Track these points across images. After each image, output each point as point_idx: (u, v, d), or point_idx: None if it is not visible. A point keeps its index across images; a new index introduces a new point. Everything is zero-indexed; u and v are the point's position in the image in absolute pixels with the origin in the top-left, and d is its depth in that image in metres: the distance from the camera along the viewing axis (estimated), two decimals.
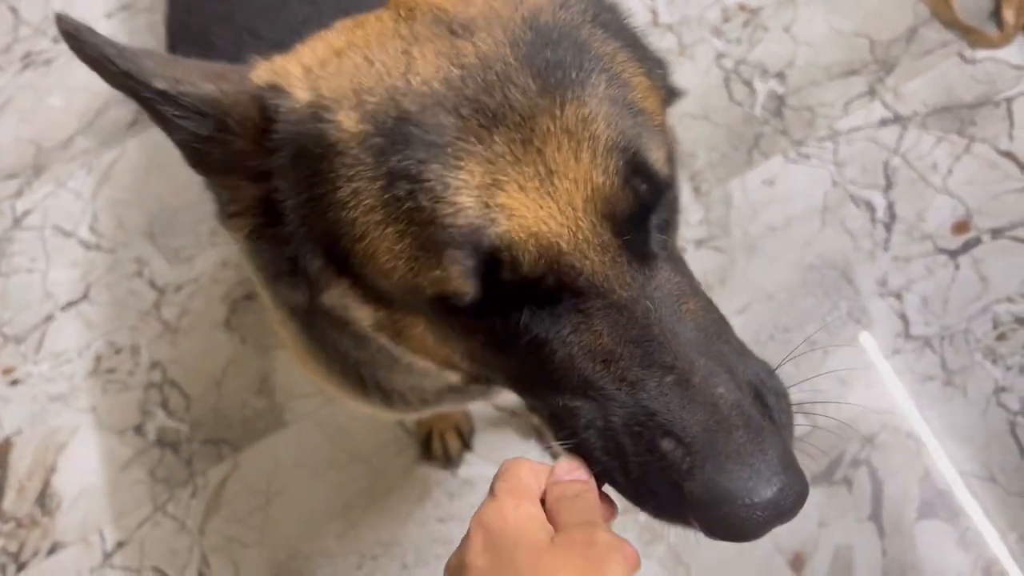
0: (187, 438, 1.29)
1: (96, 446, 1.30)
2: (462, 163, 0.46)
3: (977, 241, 1.27)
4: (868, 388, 1.22)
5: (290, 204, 0.51)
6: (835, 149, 1.35)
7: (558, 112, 0.47)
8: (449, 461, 1.27)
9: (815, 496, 1.19)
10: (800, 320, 1.25)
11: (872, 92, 1.37)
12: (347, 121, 0.48)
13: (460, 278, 0.46)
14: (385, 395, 0.74)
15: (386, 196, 0.47)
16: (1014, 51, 1.37)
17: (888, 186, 1.31)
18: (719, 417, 0.44)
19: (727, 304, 1.25)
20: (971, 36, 1.38)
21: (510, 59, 0.48)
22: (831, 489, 1.19)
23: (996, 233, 1.27)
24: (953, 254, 1.27)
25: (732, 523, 0.43)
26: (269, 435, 1.29)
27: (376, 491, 1.25)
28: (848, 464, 1.20)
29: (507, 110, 0.46)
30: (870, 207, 1.31)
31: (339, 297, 0.54)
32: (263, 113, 0.49)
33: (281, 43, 0.55)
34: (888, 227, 1.29)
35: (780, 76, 1.40)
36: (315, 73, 0.51)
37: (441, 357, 0.56)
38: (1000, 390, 1.21)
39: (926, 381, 1.22)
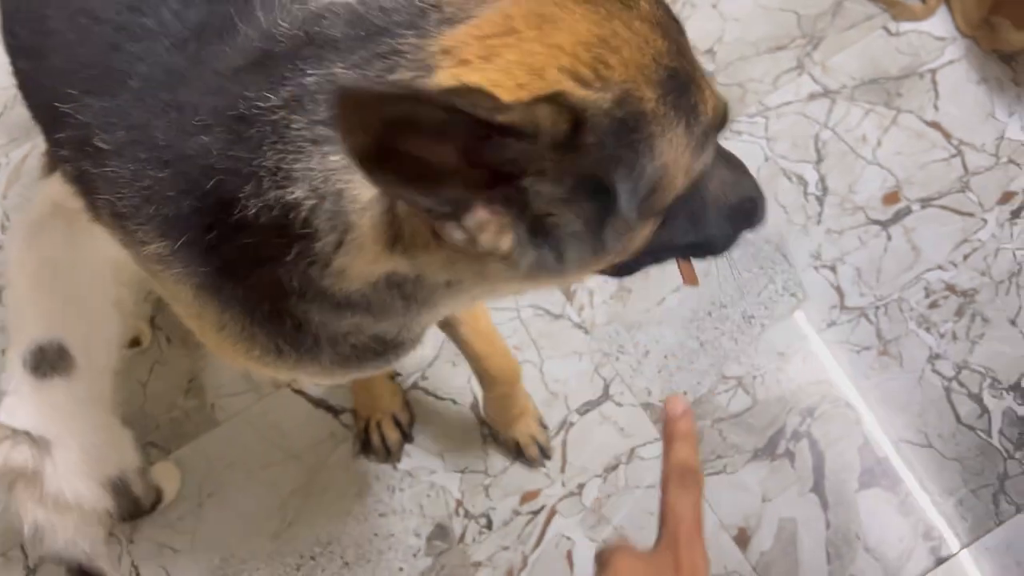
0: None
1: None
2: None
3: (907, 211, 1.28)
4: (806, 361, 1.23)
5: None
6: (766, 124, 1.35)
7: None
8: (389, 454, 1.23)
9: (758, 471, 1.19)
10: (736, 295, 1.25)
11: (800, 66, 1.37)
12: (647, 94, 0.53)
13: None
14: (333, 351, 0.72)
15: (688, 130, 0.56)
16: (937, 23, 1.38)
17: (819, 159, 1.32)
18: (759, 190, 0.71)
19: (664, 283, 1.25)
20: (895, 9, 1.39)
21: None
22: (773, 464, 1.19)
23: (925, 202, 1.28)
24: (884, 224, 1.27)
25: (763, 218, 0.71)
26: (200, 435, 1.24)
27: (313, 488, 1.21)
28: (790, 437, 1.20)
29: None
30: (802, 181, 1.31)
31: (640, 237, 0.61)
32: (569, 116, 0.49)
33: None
34: (820, 200, 1.30)
35: (710, 52, 1.40)
36: (591, 71, 0.52)
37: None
38: (935, 357, 1.22)
39: (862, 351, 1.22)
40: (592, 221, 0.55)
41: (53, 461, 1.02)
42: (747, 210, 0.72)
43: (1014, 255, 1.24)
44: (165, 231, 0.63)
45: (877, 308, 1.23)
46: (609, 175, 0.53)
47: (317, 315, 0.65)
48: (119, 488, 1.09)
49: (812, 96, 1.36)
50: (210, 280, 0.64)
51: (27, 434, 1.01)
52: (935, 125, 1.32)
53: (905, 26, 1.39)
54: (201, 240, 0.61)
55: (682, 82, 0.56)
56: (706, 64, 1.39)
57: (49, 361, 1.06)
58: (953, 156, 1.30)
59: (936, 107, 1.33)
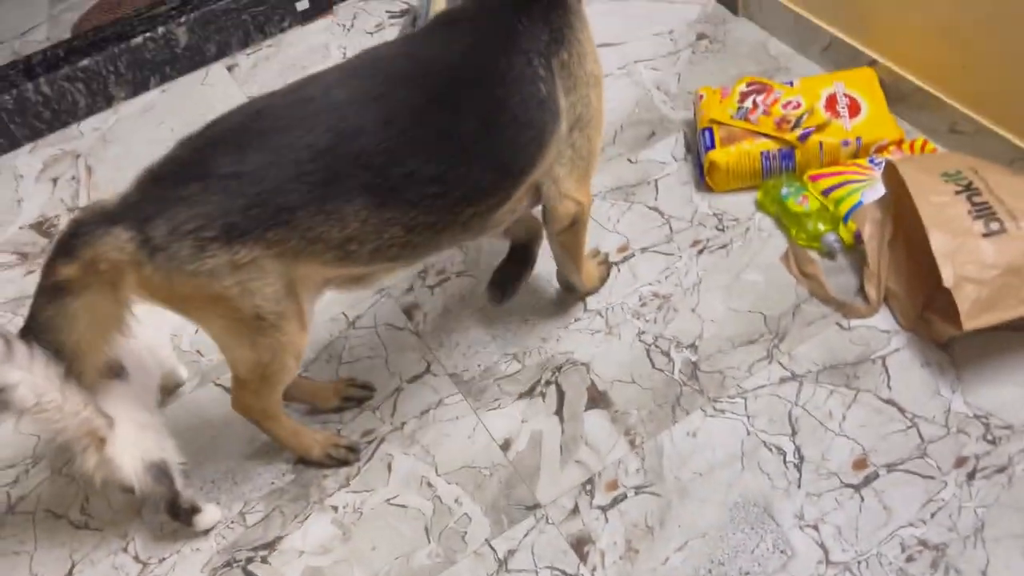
0: None
1: None
2: None
3: (876, 475, 1.46)
4: None
5: None
6: (745, 404, 1.57)
7: None
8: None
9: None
10: (732, 554, 1.39)
11: (770, 356, 1.63)
12: None
13: None
14: None
15: None
16: (881, 319, 1.66)
17: (794, 432, 1.52)
18: None
19: (667, 543, 1.40)
20: (844, 309, 1.68)
21: None
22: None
23: (890, 467, 1.46)
24: (857, 487, 1.45)
25: None
26: None
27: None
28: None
29: None
30: (781, 451, 1.50)
31: None
32: None
33: None
34: (799, 467, 1.48)
35: (692, 347, 1.67)
36: None
37: None
38: None
39: None
40: None
41: (114, 433, 1.37)
42: None
43: (975, 512, 1.39)
44: None
45: (859, 563, 1.36)
46: None
47: None
48: (161, 472, 1.42)
49: (783, 380, 1.60)
50: None
51: (100, 409, 1.36)
52: (891, 402, 1.54)
53: (855, 322, 1.66)
54: None
55: None
56: (690, 356, 1.65)
57: (112, 369, 1.46)
58: (909, 427, 1.50)
59: (890, 387, 1.56)
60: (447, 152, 1.30)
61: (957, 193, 1.54)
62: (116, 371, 1.47)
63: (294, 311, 1.34)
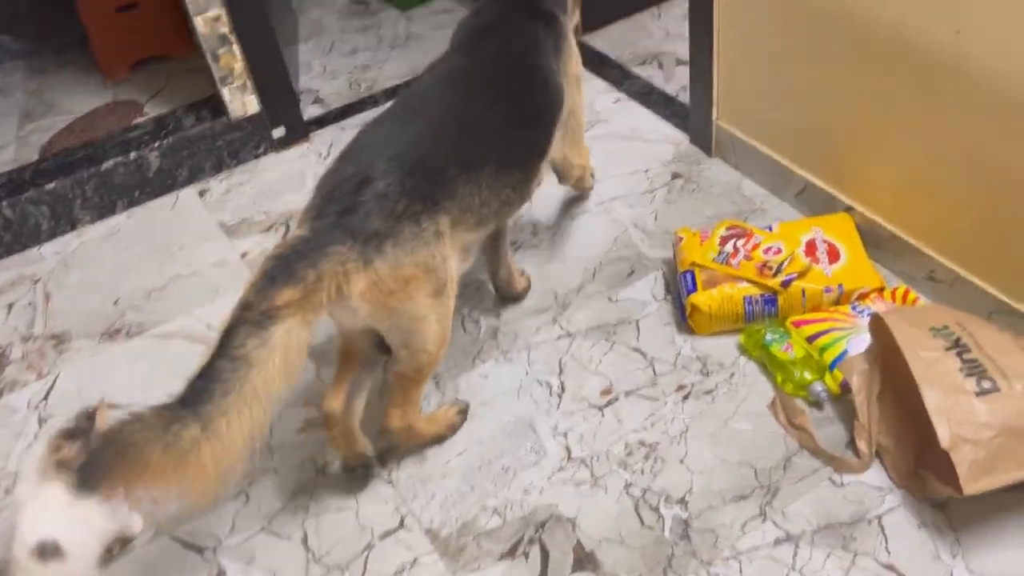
0: None
1: None
2: None
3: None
4: None
5: None
6: (740, 567, 1.49)
7: None
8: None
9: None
10: None
11: (763, 514, 1.57)
12: None
13: None
14: None
15: None
16: (874, 474, 1.61)
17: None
18: None
19: None
20: (835, 463, 1.63)
21: None
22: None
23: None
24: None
25: None
26: None
27: None
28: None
29: None
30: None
31: None
32: None
33: None
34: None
35: (682, 502, 1.60)
36: None
37: None
38: None
39: None
40: None
41: None
42: None
43: None
44: None
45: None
46: None
47: None
48: None
49: (778, 541, 1.52)
50: None
51: None
52: (890, 567, 1.47)
53: (848, 477, 1.61)
54: None
55: None
56: (680, 512, 1.58)
57: None
58: None
59: (888, 550, 1.49)
60: (528, 123, 1.69)
61: (947, 349, 1.52)
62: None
63: (454, 279, 1.54)
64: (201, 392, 1.23)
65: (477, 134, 1.56)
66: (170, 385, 1.27)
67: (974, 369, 1.48)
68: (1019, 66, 1.54)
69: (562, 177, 2.07)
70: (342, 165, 1.48)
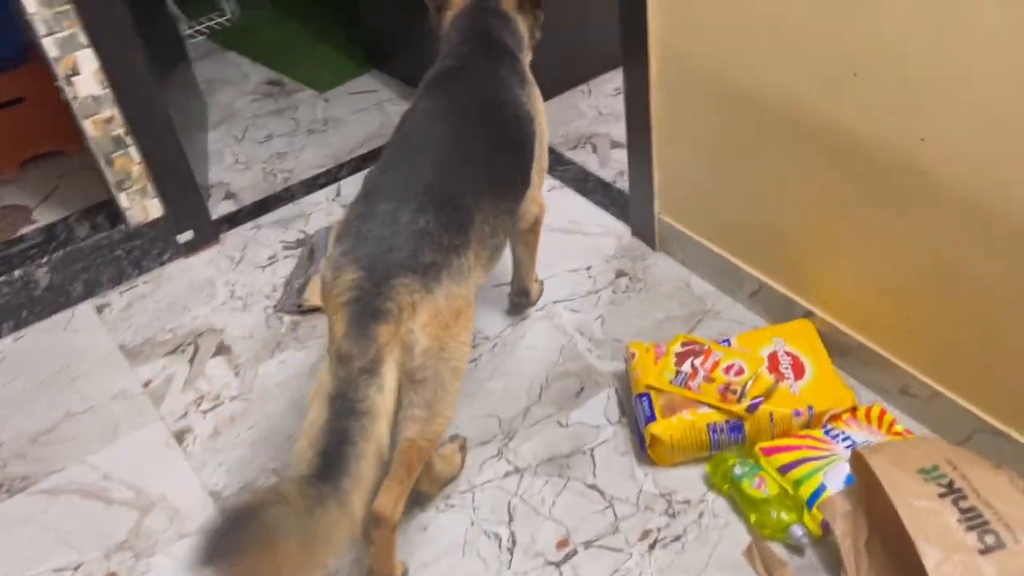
0: None
1: None
2: None
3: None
4: None
5: None
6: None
7: None
8: None
9: None
10: None
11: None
12: None
13: None
14: None
15: None
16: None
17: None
18: None
19: None
20: None
21: None
22: None
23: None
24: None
25: None
26: None
27: None
28: None
29: None
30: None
31: None
32: None
33: None
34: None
35: None
36: None
37: None
38: None
39: None
40: None
41: None
42: None
43: None
44: None
45: None
46: None
47: None
48: None
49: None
50: None
51: None
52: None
53: None
54: None
55: None
56: None
57: None
58: None
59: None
60: (515, 149, 1.72)
61: (941, 496, 1.37)
62: None
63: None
64: (337, 461, 1.19)
65: (478, 163, 1.57)
66: (61, 556, 1.03)
67: (974, 521, 1.33)
68: (988, 176, 1.42)
69: (521, 218, 1.90)
70: (369, 206, 1.43)
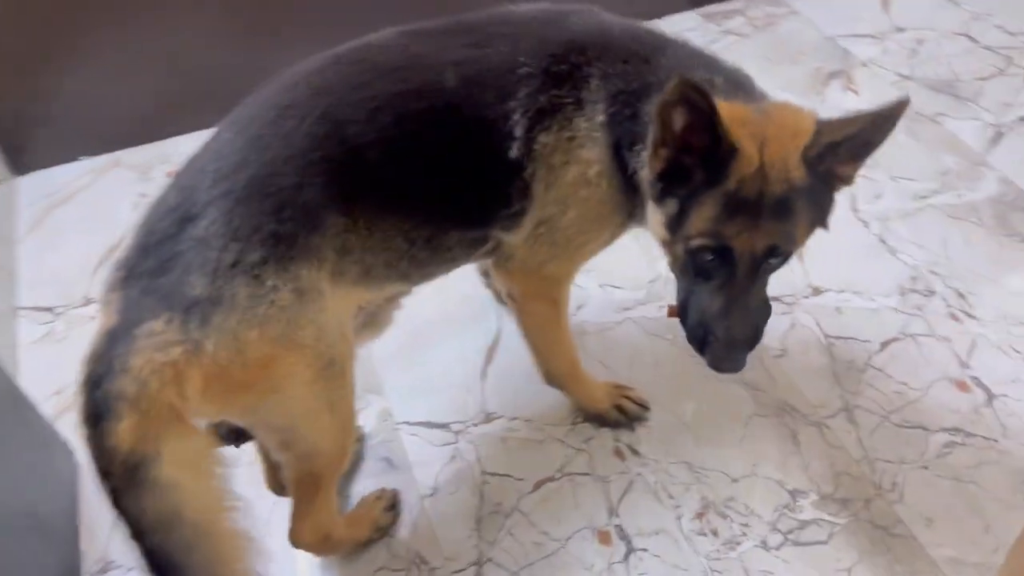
0: None
1: None
2: None
3: None
4: None
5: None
6: None
7: None
8: (631, 420, 1.63)
9: None
10: None
11: None
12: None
13: None
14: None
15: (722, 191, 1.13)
16: None
17: None
18: (726, 337, 1.12)
19: None
20: None
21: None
22: None
23: None
24: None
25: (713, 365, 1.16)
26: None
27: None
28: None
29: None
30: None
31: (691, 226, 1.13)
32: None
33: None
34: None
35: None
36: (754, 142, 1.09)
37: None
38: None
39: None
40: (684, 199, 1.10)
41: None
42: (698, 335, 1.14)
43: None
44: None
45: None
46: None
47: None
48: None
49: None
50: None
51: None
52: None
53: None
54: None
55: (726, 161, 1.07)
56: None
57: None
58: None
59: None
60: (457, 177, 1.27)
61: None
62: None
63: (349, 347, 1.19)
64: None
65: (362, 152, 1.15)
66: None
67: None
68: None
69: (496, 278, 1.51)
70: (165, 193, 1.11)
